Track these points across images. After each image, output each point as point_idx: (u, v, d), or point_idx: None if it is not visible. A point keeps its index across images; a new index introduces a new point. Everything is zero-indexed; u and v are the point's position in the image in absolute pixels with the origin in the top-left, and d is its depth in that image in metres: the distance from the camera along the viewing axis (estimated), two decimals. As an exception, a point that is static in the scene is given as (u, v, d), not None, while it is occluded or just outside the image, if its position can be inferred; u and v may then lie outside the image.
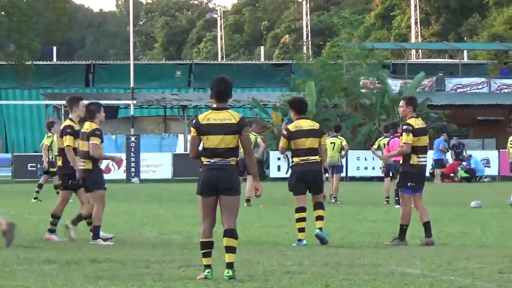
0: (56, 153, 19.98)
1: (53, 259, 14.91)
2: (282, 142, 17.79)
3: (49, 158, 33.34)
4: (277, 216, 23.31)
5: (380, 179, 40.22)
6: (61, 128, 18.63)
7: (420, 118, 18.18)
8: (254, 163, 13.74)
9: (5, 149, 65.14)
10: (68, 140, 18.13)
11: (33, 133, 67.64)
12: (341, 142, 32.47)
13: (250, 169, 13.29)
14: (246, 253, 14.77)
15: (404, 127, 17.79)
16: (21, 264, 14.43)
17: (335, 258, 14.86)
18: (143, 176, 52.73)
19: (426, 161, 19.06)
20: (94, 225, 17.80)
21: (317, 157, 17.97)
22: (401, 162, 18.03)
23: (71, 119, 18.68)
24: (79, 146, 18.58)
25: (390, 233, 18.89)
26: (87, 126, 17.94)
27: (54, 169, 31.89)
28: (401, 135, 18.14)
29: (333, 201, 31.51)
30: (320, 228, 17.49)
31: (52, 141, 32.74)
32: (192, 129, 12.83)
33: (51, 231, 18.41)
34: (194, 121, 13.03)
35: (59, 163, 18.60)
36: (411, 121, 17.65)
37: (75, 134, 18.31)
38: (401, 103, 18.32)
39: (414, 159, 17.62)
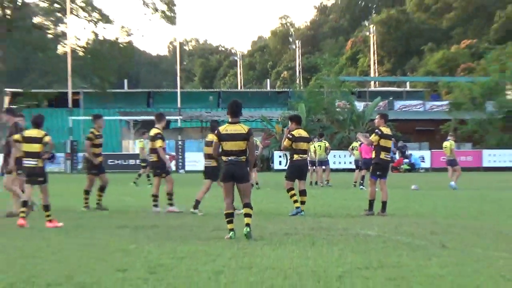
0: (148, 152, 19.71)
1: (126, 225, 15.12)
2: (287, 142, 17.61)
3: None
4: (279, 196, 23.21)
5: (349, 170, 40.19)
6: (153, 134, 18.57)
7: (389, 128, 18.21)
8: (254, 160, 14.52)
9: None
10: (159, 143, 18.15)
11: (111, 139, 67.43)
12: (325, 144, 32.48)
13: (250, 164, 13.47)
14: (258, 221, 14.78)
15: (376, 130, 17.84)
16: (103, 228, 14.66)
17: (318, 224, 15.03)
18: (187, 168, 52.57)
19: (390, 158, 19.13)
20: (197, 199, 18.02)
21: (307, 155, 18.24)
22: (373, 157, 17.91)
23: (158, 128, 18.62)
24: (205, 150, 19.06)
25: (356, 207, 18.89)
26: (211, 137, 17.46)
27: (145, 164, 32.12)
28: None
29: (325, 183, 31.70)
30: (303, 210, 17.53)
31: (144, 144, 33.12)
32: (215, 137, 13.17)
33: (170, 204, 18.47)
34: (216, 131, 13.28)
35: (154, 158, 18.49)
36: (383, 128, 17.67)
37: (163, 138, 18.35)
38: (377, 116, 18.42)
39: (382, 155, 17.63)
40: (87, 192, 19.66)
